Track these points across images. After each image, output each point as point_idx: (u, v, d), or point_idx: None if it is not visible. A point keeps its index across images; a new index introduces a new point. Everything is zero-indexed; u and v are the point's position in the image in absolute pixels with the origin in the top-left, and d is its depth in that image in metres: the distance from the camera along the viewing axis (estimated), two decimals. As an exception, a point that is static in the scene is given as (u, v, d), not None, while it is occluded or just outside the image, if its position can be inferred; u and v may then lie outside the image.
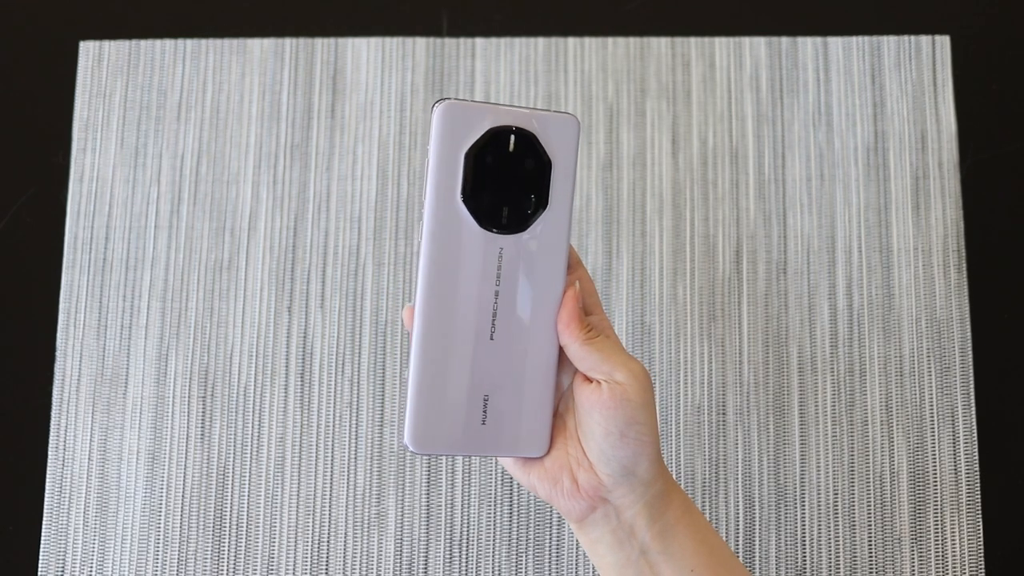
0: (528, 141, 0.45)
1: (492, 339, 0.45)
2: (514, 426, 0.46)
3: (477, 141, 0.44)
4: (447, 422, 0.45)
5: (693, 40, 0.71)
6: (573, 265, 0.48)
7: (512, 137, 0.45)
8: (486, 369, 0.45)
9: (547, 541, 0.64)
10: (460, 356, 0.45)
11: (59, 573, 0.64)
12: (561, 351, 0.47)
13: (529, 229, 0.45)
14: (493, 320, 0.45)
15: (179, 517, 0.64)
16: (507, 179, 0.45)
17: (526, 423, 0.46)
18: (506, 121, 0.45)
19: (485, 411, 0.46)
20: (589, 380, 0.46)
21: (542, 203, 0.45)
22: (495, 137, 0.45)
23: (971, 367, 0.66)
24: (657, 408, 0.65)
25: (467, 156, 0.44)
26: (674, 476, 0.59)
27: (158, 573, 0.64)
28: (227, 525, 0.64)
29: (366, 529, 0.64)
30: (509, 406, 0.46)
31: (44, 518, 0.64)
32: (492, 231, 0.45)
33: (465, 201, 0.44)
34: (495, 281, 0.45)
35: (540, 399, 0.46)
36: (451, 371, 0.45)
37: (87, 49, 0.72)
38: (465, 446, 0.46)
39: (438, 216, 0.44)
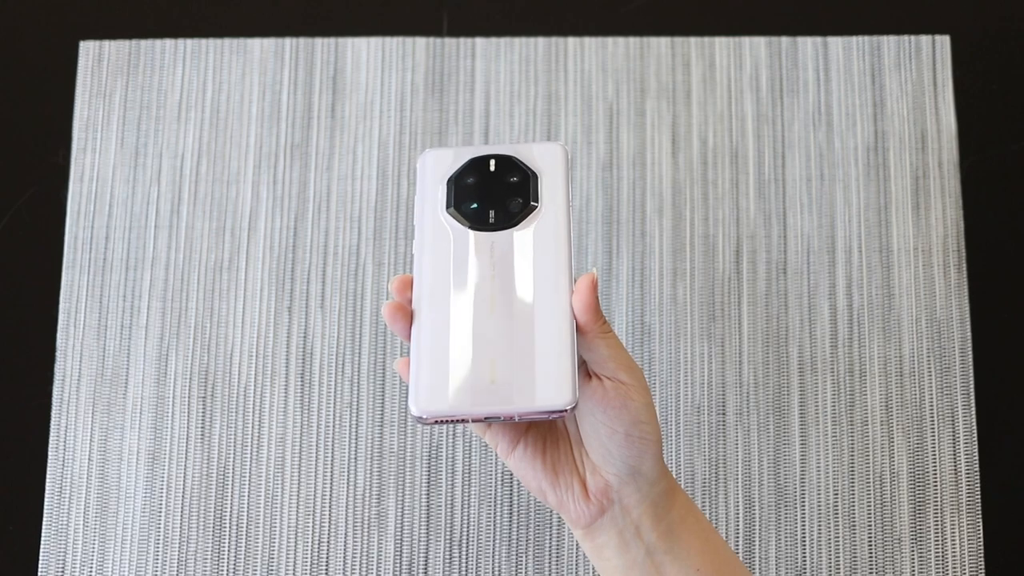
0: (508, 162, 0.49)
1: (492, 313, 0.47)
2: (528, 379, 0.45)
3: (458, 169, 0.49)
4: (453, 386, 0.45)
5: (693, 40, 0.71)
6: None
7: (492, 161, 0.49)
8: (488, 339, 0.46)
9: (547, 541, 0.64)
10: (459, 329, 0.46)
11: (59, 573, 0.64)
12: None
13: (521, 224, 0.48)
14: (491, 299, 0.47)
15: (179, 517, 0.64)
16: (490, 190, 0.49)
17: (543, 375, 0.45)
18: (485, 152, 0.50)
19: (494, 371, 0.46)
20: (589, 377, 0.46)
21: (530, 204, 0.48)
22: (475, 163, 0.49)
23: (971, 367, 0.66)
24: (657, 408, 0.65)
25: (449, 181, 0.49)
26: (674, 476, 0.59)
27: (158, 573, 0.64)
28: (227, 525, 0.64)
29: (366, 529, 0.64)
30: (519, 364, 0.46)
31: (44, 518, 0.64)
32: (480, 230, 0.48)
33: (450, 212, 0.48)
34: (490, 267, 0.48)
35: (558, 351, 0.45)
36: (452, 342, 0.46)
37: (87, 49, 0.72)
38: (474, 405, 0.45)
39: (426, 229, 0.48)
